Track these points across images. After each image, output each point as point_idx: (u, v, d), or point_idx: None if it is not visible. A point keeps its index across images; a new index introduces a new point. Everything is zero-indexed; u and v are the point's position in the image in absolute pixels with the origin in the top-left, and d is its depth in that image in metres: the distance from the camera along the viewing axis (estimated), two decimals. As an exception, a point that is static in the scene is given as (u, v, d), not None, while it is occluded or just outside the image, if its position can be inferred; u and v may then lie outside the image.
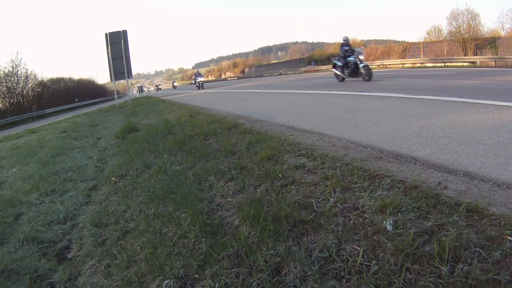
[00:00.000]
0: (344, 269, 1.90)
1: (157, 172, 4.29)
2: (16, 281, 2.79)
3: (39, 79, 40.15)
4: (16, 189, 5.09)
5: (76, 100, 44.69)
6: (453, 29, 34.35)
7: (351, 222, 2.31)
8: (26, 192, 4.87)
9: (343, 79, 15.32)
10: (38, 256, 3.14)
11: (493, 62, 26.76)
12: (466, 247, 1.82)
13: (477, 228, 1.97)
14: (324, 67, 44.96)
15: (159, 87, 59.54)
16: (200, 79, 33.32)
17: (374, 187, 2.71)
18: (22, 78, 36.90)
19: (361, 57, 14.22)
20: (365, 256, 1.94)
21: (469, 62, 28.97)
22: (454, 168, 2.98)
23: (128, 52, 24.14)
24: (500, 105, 5.58)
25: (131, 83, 59.59)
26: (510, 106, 5.42)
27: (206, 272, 2.14)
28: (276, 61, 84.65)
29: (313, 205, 2.60)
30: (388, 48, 40.45)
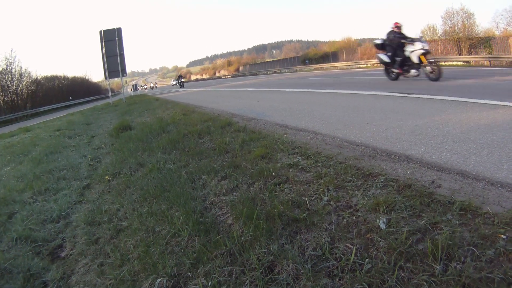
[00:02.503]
0: (337, 267, 1.89)
1: (151, 170, 4.28)
2: (9, 280, 2.78)
3: (33, 77, 39.99)
4: (10, 187, 5.06)
5: (70, 98, 44.58)
6: (447, 28, 34.46)
7: (345, 220, 2.31)
8: (20, 191, 4.85)
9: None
10: (31, 255, 3.12)
11: (488, 61, 26.85)
12: (460, 245, 1.82)
13: (470, 227, 1.97)
14: (318, 65, 45.01)
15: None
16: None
17: (368, 186, 2.72)
18: (16, 76, 36.76)
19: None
20: (358, 255, 1.93)
21: (464, 61, 29.06)
22: (448, 167, 2.99)
23: (123, 50, 24.09)
24: (494, 104, 5.60)
25: (125, 81, 59.58)
26: (504, 105, 5.44)
27: (199, 271, 2.14)
28: (271, 60, 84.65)
29: (307, 204, 2.60)
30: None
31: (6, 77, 35.55)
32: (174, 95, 22.92)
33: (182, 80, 45.65)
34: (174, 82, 68.21)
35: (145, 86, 74.31)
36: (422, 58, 11.03)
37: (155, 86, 68.04)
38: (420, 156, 3.38)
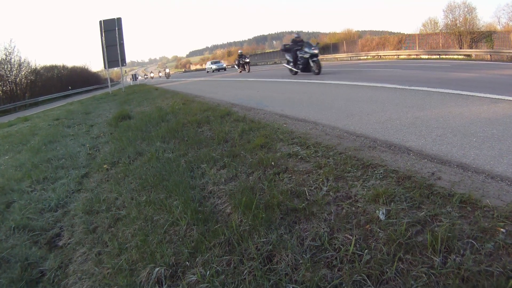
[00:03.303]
0: (336, 258, 1.89)
1: (149, 159, 4.26)
2: (7, 269, 2.76)
3: (32, 67, 39.86)
4: (8, 177, 5.05)
5: (70, 87, 44.47)
6: (449, 22, 34.36)
7: (344, 211, 2.30)
8: (18, 180, 4.83)
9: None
10: (29, 244, 3.11)
11: (489, 55, 26.83)
12: (459, 238, 1.82)
13: (470, 220, 1.97)
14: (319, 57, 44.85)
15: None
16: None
17: (367, 176, 2.71)
18: (15, 66, 36.65)
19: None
20: (358, 245, 1.93)
21: (464, 55, 29.03)
22: (448, 159, 2.98)
23: (122, 40, 24.00)
24: (495, 98, 5.58)
25: (125, 70, 58.87)
26: (504, 99, 5.42)
27: (197, 260, 2.13)
28: (271, 50, 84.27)
29: (306, 194, 2.59)
30: (383, 39, 40.37)
31: (5, 67, 35.43)
32: (173, 85, 22.88)
33: (247, 60, 27.44)
34: (214, 67, 44.71)
35: (151, 75, 68.64)
36: None
37: (168, 74, 51.66)
38: (420, 148, 3.37)
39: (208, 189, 3.14)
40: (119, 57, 23.82)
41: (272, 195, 2.61)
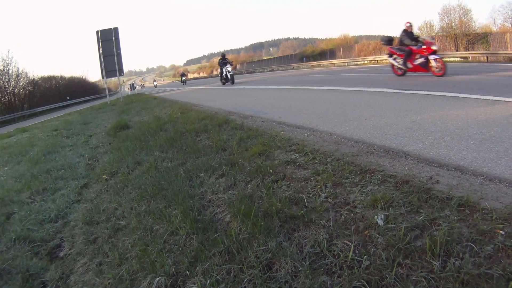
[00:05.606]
0: (335, 264, 1.89)
1: (148, 169, 4.27)
2: (8, 280, 2.77)
3: (30, 78, 39.98)
4: (8, 188, 5.05)
5: (68, 98, 44.51)
6: (445, 24, 34.45)
7: (342, 217, 2.30)
8: (18, 191, 4.84)
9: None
10: (30, 255, 3.11)
11: (485, 57, 26.86)
12: (458, 241, 1.82)
13: (469, 223, 1.97)
14: (315, 62, 44.95)
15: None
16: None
17: (365, 182, 2.71)
18: (13, 77, 36.74)
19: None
20: (357, 251, 1.93)
21: (461, 57, 29.06)
22: (446, 163, 2.98)
23: (120, 50, 24.03)
24: (492, 99, 5.59)
25: (123, 80, 58.98)
26: (501, 101, 5.43)
27: (197, 269, 2.13)
28: (268, 57, 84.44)
29: (304, 201, 2.60)
30: (380, 43, 40.46)
31: (3, 78, 35.54)
32: (172, 93, 22.90)
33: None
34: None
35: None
36: None
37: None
38: (417, 152, 3.37)
39: (207, 198, 3.15)
40: (117, 67, 23.84)
41: (271, 203, 2.61)
